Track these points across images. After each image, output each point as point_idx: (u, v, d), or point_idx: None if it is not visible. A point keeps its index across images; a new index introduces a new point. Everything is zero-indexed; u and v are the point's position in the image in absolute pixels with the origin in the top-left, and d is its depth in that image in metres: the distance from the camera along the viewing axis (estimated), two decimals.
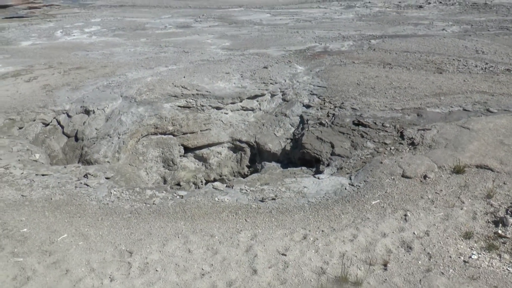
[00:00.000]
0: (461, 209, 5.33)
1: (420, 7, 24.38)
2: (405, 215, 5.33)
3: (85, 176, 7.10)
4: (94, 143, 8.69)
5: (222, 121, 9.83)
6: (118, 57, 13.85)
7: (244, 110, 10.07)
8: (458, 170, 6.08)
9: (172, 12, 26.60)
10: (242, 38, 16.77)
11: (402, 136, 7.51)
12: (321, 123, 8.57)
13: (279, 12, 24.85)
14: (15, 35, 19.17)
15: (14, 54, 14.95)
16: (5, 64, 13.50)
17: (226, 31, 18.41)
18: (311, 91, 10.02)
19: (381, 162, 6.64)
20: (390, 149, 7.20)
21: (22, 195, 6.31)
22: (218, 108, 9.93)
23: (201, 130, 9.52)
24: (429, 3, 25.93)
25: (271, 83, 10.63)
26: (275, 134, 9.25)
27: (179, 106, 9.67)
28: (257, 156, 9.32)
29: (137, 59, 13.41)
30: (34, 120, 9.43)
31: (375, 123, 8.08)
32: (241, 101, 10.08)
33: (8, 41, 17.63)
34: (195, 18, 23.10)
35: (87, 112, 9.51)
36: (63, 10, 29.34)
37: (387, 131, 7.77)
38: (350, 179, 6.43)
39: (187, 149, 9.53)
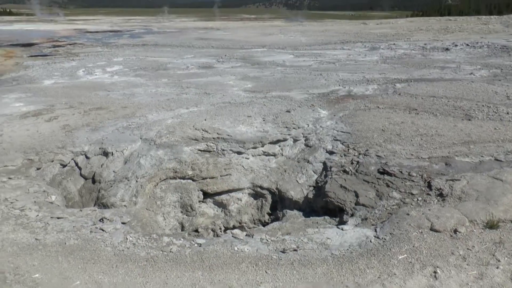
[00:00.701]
0: (497, 268, 5.17)
1: (447, 49, 24.61)
2: (435, 272, 5.19)
3: (101, 220, 7.17)
4: (111, 186, 8.81)
5: (243, 166, 9.89)
6: (139, 98, 14.25)
7: (266, 155, 10.14)
8: (491, 225, 5.94)
9: (195, 52, 27.44)
10: (265, 80, 17.11)
11: (429, 186, 7.43)
12: (345, 171, 8.56)
13: (303, 54, 25.37)
14: (38, 73, 19.97)
15: (36, 93, 15.51)
16: (27, 103, 14.00)
17: (249, 72, 18.82)
18: (335, 137, 10.07)
19: (408, 214, 6.55)
20: (417, 200, 7.11)
21: (36, 239, 6.37)
22: (239, 153, 10.02)
23: (221, 175, 9.58)
24: (456, 45, 26.16)
25: (293, 128, 10.73)
26: (297, 181, 9.24)
27: (199, 150, 9.81)
28: (278, 204, 9.29)
29: (158, 100, 13.77)
30: (52, 161, 9.64)
31: (401, 172, 8.02)
32: (262, 146, 10.17)
33: (31, 80, 18.35)
34: (217, 59, 23.75)
35: (105, 154, 9.70)
36: (86, 48, 30.56)
37: (413, 181, 7.69)
38: (376, 231, 6.33)
39: (206, 195, 9.57)
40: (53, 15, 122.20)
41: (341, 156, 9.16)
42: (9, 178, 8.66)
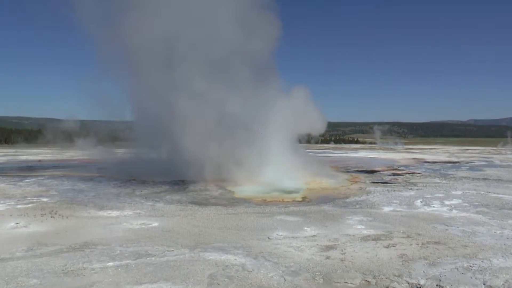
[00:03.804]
0: None
1: None
2: None
3: None
4: None
5: None
6: (481, 238, 13.37)
7: None
8: None
9: None
10: None
11: None
12: None
13: None
14: (379, 199, 21.62)
15: (376, 218, 16.71)
16: (368, 226, 15.22)
17: None
18: None
19: None
20: None
21: None
22: None
23: None
24: None
25: None
26: None
27: None
28: None
29: (504, 244, 12.56)
30: (387, 287, 9.94)
31: None
32: None
33: (372, 205, 20.01)
34: None
35: None
36: (424, 179, 31.33)
37: None
38: None
39: None
40: (392, 144, 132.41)
41: None
42: None
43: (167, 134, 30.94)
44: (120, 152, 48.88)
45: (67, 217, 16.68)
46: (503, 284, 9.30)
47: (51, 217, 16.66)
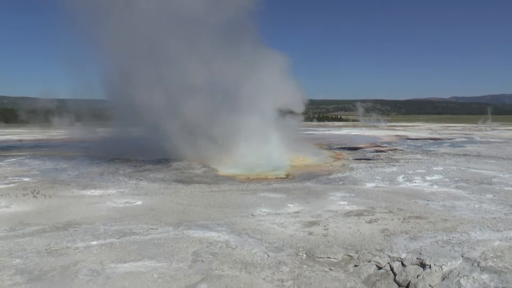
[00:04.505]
0: None
1: None
2: None
3: None
4: None
5: None
6: (460, 212, 13.69)
7: None
8: None
9: None
10: None
11: None
12: None
13: None
14: (361, 175, 21.88)
15: (359, 194, 16.94)
16: (350, 202, 15.44)
17: None
18: None
19: None
20: None
21: None
22: None
23: None
24: None
25: None
26: None
27: None
28: None
29: (481, 218, 12.89)
30: (369, 261, 10.14)
31: None
32: None
33: (355, 181, 20.25)
34: None
35: (422, 265, 9.59)
36: (406, 155, 31.75)
37: None
38: None
39: None
40: (375, 121, 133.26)
41: None
42: (330, 269, 9.58)
43: (138, 111, 29.95)
44: (103, 130, 48.28)
45: (50, 197, 16.53)
46: (479, 256, 9.58)
47: (34, 196, 16.49)
